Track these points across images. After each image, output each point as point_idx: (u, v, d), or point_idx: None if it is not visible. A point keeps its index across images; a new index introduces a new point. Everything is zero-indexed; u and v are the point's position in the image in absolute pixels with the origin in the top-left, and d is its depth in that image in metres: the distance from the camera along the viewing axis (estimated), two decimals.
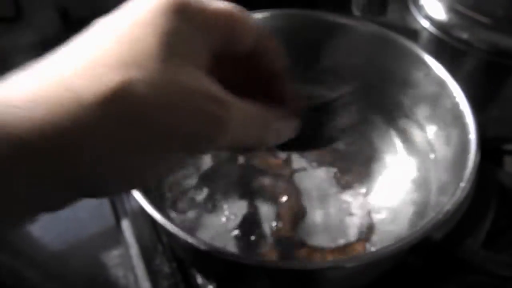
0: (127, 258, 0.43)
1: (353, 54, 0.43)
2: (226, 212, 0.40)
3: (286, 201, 0.41)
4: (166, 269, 0.41)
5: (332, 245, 0.38)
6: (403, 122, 0.44)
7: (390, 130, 0.45)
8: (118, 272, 0.44)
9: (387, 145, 0.45)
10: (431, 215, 0.35)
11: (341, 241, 0.38)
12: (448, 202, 0.28)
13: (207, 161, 0.44)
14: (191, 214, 0.40)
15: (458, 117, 0.36)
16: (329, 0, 0.50)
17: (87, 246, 0.47)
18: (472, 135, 0.33)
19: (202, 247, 0.26)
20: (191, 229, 0.39)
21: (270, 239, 0.38)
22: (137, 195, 0.32)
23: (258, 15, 0.41)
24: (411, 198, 0.40)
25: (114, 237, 0.46)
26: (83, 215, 0.48)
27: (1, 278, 0.43)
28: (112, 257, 0.46)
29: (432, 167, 0.39)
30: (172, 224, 0.29)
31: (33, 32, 0.55)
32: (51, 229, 0.47)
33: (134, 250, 0.43)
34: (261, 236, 0.39)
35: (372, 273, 0.31)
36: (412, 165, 0.42)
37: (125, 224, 0.45)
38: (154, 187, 0.40)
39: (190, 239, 0.27)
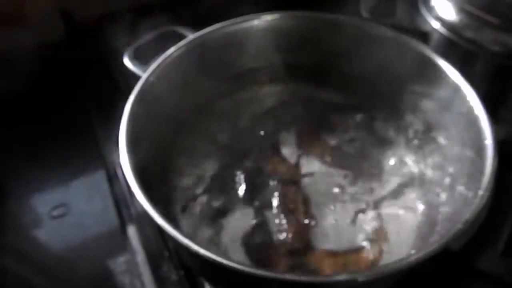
0: (134, 265, 0.42)
1: (363, 57, 0.43)
2: (234, 219, 0.39)
3: (295, 207, 0.40)
4: (173, 276, 0.40)
5: (344, 249, 0.37)
6: (414, 126, 0.43)
7: (401, 133, 0.44)
8: (124, 279, 0.43)
9: (397, 149, 0.44)
10: (443, 222, 0.34)
11: (353, 245, 0.38)
12: (467, 211, 0.27)
13: (213, 166, 0.43)
14: (197, 220, 0.39)
15: (473, 122, 0.35)
16: (337, 1, 0.49)
17: (92, 252, 0.46)
18: (489, 141, 0.33)
19: (215, 260, 0.26)
20: (198, 235, 0.38)
21: (280, 246, 0.38)
22: (144, 203, 0.31)
23: (267, 17, 0.41)
24: (422, 202, 0.40)
25: (120, 243, 0.45)
26: (88, 221, 0.47)
27: (7, 284, 0.42)
28: (118, 263, 0.45)
29: (445, 172, 0.38)
30: (182, 236, 0.28)
31: (35, 34, 0.54)
32: (55, 234, 0.47)
33: (140, 256, 0.42)
34: (271, 243, 0.38)
35: (388, 282, 0.31)
36: (424, 169, 0.42)
37: (131, 230, 0.44)
38: (161, 194, 0.40)
39: (202, 251, 0.26)
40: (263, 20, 0.43)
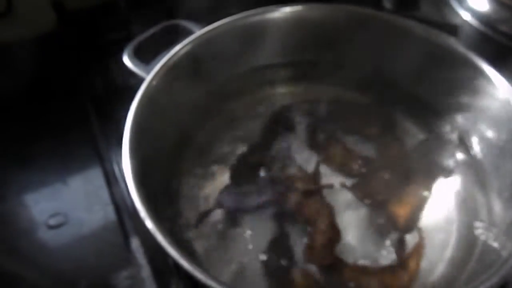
0: (139, 280, 0.39)
1: (392, 55, 0.39)
2: (251, 235, 0.36)
3: (318, 222, 0.36)
4: None
5: (376, 264, 0.34)
6: (448, 134, 0.40)
7: (432, 141, 0.41)
8: None
9: (428, 158, 0.40)
10: (484, 241, 0.31)
11: (385, 259, 0.34)
12: None
13: (224, 176, 0.40)
14: (211, 238, 0.36)
15: None
16: None
17: (93, 266, 0.43)
18: None
19: None
20: (212, 255, 0.35)
21: (303, 265, 0.34)
22: (150, 225, 0.29)
23: (287, 9, 0.37)
24: (459, 217, 0.36)
25: (123, 256, 0.42)
26: (87, 231, 0.44)
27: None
28: (121, 278, 0.42)
29: (482, 186, 0.35)
30: (193, 268, 0.25)
31: (26, 27, 0.50)
32: (53, 246, 0.43)
33: (146, 272, 0.39)
34: (293, 261, 0.35)
35: None
36: (459, 184, 0.38)
37: (135, 243, 0.41)
38: (168, 208, 0.37)
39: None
40: (282, 13, 0.39)
